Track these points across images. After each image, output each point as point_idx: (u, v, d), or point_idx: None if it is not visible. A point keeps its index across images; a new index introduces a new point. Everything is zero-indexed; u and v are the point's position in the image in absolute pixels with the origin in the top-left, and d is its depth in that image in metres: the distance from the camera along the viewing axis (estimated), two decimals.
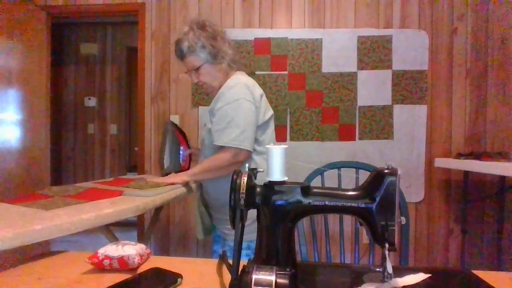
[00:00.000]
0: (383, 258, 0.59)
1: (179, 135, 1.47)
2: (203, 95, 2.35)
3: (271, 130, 1.26)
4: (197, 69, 1.21)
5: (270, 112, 1.24)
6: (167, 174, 1.44)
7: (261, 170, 0.68)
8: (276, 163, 0.62)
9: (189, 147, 1.49)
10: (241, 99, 1.12)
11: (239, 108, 1.12)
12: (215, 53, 1.19)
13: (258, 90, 1.20)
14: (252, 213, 0.62)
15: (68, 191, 1.10)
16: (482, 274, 0.68)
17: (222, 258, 0.69)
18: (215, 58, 1.19)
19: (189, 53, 1.19)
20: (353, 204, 0.60)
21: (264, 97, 1.22)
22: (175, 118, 2.40)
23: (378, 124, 2.31)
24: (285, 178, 0.63)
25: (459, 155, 2.14)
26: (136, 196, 1.07)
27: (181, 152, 1.45)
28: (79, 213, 0.83)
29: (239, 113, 1.11)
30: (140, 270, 0.68)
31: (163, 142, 1.45)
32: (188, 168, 1.56)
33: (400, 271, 0.66)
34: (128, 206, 0.95)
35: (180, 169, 1.42)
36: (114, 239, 1.13)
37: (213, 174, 1.16)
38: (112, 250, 0.69)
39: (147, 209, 1.02)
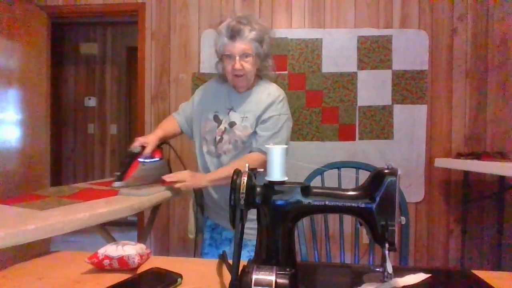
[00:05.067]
0: (383, 258, 0.59)
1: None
2: None
3: None
4: (247, 57, 1.15)
5: None
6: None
7: (261, 170, 0.68)
8: (276, 163, 0.62)
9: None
10: (288, 115, 1.22)
11: (286, 122, 1.20)
12: (265, 55, 1.19)
13: None
14: None
15: (63, 192, 1.10)
16: (482, 274, 0.68)
17: (222, 258, 0.69)
18: (264, 59, 1.20)
19: (249, 38, 1.13)
20: (353, 204, 0.60)
21: None
22: None
23: (378, 124, 2.30)
24: (285, 178, 0.63)
25: (459, 155, 2.13)
26: (132, 195, 1.06)
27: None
28: (73, 213, 0.83)
29: (285, 127, 1.19)
30: (140, 270, 0.68)
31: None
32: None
33: (400, 271, 0.66)
34: (123, 205, 0.95)
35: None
36: (111, 239, 1.13)
37: None
38: (112, 250, 0.69)
39: (142, 208, 1.02)
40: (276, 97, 1.20)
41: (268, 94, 1.21)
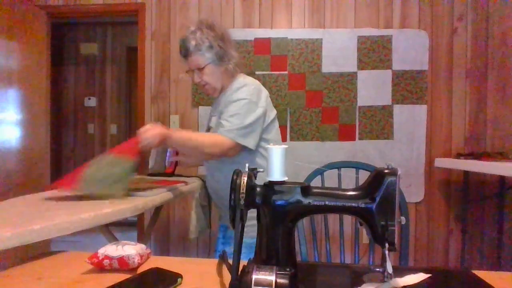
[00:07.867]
0: (383, 258, 0.59)
1: None
2: (203, 95, 2.34)
3: (275, 129, 1.28)
4: (201, 69, 1.18)
5: (274, 112, 1.28)
6: (152, 175, 1.43)
7: (261, 170, 0.68)
8: (276, 163, 0.62)
9: (177, 154, 1.41)
10: (251, 99, 1.15)
11: (250, 107, 1.14)
12: (222, 54, 1.18)
13: (265, 92, 1.24)
14: None
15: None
16: (482, 274, 0.68)
17: (222, 258, 0.69)
18: (221, 59, 1.18)
19: (195, 52, 1.16)
20: (353, 204, 0.60)
21: (268, 98, 1.26)
22: (175, 118, 2.40)
23: (378, 124, 2.30)
24: (285, 178, 0.63)
25: (459, 155, 2.13)
26: (135, 196, 1.07)
27: (168, 154, 1.41)
28: (78, 213, 0.83)
29: (251, 111, 1.14)
30: (140, 270, 0.68)
31: None
32: (173, 172, 1.55)
33: (400, 271, 0.66)
34: (127, 205, 0.95)
35: (164, 170, 1.41)
36: (113, 239, 1.13)
37: (194, 148, 1.08)
38: (112, 250, 0.69)
39: (146, 208, 1.02)
40: (239, 83, 1.19)
41: (235, 89, 1.20)
